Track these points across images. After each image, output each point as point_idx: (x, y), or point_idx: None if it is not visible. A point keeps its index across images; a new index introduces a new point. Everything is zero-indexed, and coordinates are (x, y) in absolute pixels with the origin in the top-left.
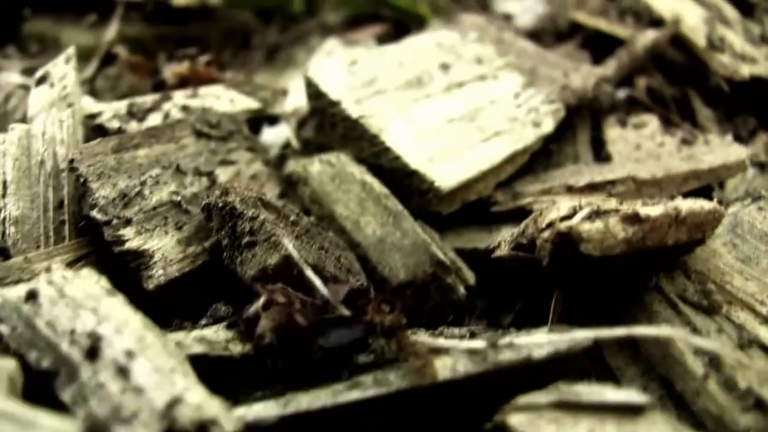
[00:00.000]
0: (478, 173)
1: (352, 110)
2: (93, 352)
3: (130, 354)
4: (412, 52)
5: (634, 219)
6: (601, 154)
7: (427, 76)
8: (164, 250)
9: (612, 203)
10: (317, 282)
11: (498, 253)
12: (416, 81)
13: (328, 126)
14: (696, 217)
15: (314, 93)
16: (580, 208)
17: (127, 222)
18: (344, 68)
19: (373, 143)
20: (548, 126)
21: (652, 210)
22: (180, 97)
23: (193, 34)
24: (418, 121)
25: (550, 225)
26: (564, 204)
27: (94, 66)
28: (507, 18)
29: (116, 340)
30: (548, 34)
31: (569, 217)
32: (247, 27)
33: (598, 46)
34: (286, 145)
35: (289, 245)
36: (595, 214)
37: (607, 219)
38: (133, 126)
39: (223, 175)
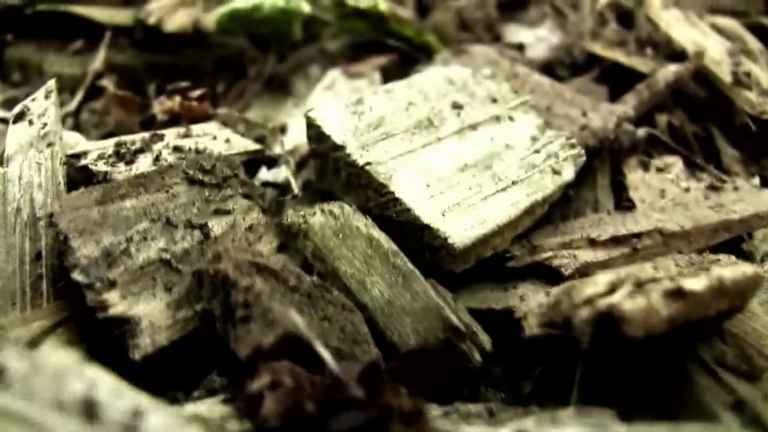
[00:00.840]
0: (494, 228)
1: (358, 156)
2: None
3: (136, 414)
4: (421, 89)
5: (677, 294)
6: (622, 199)
7: (438, 117)
8: (152, 315)
9: (649, 271)
10: (328, 358)
11: (528, 331)
12: (427, 122)
13: (331, 171)
14: (738, 285)
15: (316, 135)
16: (620, 282)
17: (112, 284)
18: (348, 108)
19: (381, 193)
20: (569, 174)
21: (696, 284)
22: (172, 136)
23: (186, 62)
24: (430, 169)
25: (588, 302)
26: (601, 278)
27: (79, 98)
28: (519, 48)
29: (116, 403)
30: (563, 66)
31: (608, 292)
32: (243, 54)
33: (616, 80)
34: (285, 189)
35: (296, 318)
36: (636, 288)
37: (649, 295)
38: (120, 169)
39: (217, 227)
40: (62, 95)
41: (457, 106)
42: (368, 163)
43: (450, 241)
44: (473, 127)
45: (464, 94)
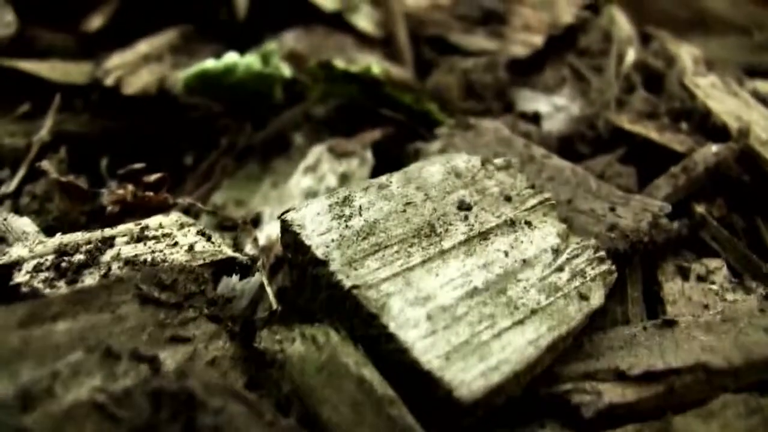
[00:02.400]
0: (509, 375)
1: (344, 276)
2: None
3: None
4: (421, 185)
5: None
6: (657, 313)
7: (442, 223)
8: None
9: None
10: None
11: None
12: (428, 230)
13: (310, 287)
14: None
15: (293, 243)
16: None
17: None
18: (333, 209)
19: (371, 324)
20: (598, 298)
21: None
22: (123, 240)
23: (148, 130)
24: (431, 294)
25: None
26: None
27: (20, 177)
28: (534, 119)
29: None
30: (584, 141)
31: None
32: (214, 119)
33: (647, 159)
34: (256, 300)
35: None
36: None
37: None
38: (60, 288)
39: (171, 359)
40: (1, 171)
41: (464, 207)
42: (356, 287)
43: (456, 394)
44: (484, 235)
45: (473, 190)
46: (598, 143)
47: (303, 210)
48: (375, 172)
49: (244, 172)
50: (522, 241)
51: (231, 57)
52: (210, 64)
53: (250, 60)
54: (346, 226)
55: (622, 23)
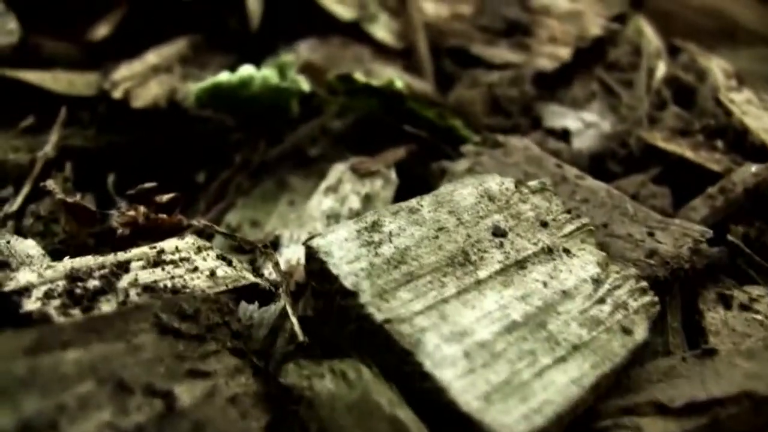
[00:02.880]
0: (552, 416)
1: (374, 309)
2: None
3: None
4: (453, 209)
5: None
6: (698, 343)
7: (476, 250)
8: None
9: None
10: None
11: None
12: (462, 257)
13: (337, 319)
14: None
15: (318, 272)
16: None
17: None
18: (361, 236)
19: (405, 361)
20: (641, 332)
21: None
22: (139, 265)
23: (158, 146)
24: (468, 329)
25: None
26: None
27: (23, 195)
28: (563, 136)
29: None
30: (615, 160)
31: None
32: (227, 134)
33: (682, 179)
34: (276, 328)
35: None
36: None
37: None
38: (75, 315)
39: (188, 394)
40: (4, 189)
41: (499, 233)
42: (388, 321)
43: None
44: (521, 264)
45: (507, 214)
46: (631, 162)
47: (329, 236)
48: (398, 192)
49: (259, 191)
50: (561, 271)
51: (246, 70)
52: (224, 77)
53: (267, 73)
54: (376, 253)
55: (650, 35)
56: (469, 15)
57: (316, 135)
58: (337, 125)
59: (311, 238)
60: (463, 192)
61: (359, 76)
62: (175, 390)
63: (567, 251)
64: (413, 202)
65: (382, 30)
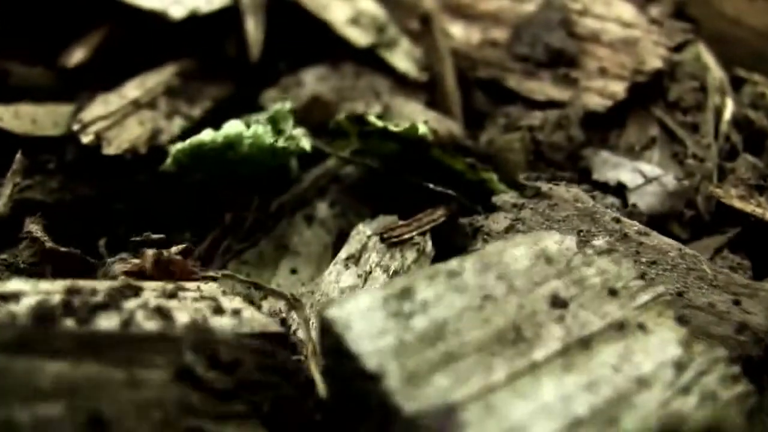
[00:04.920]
0: None
1: (404, 397)
2: None
3: None
4: (503, 272)
5: None
6: None
7: (531, 324)
8: None
9: None
10: None
11: None
12: (513, 333)
13: (356, 406)
14: None
15: (334, 348)
16: None
17: None
18: (389, 305)
19: None
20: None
21: None
22: (153, 293)
23: (133, 199)
24: (521, 426)
25: None
26: None
27: None
28: (616, 191)
29: None
30: (681, 222)
31: None
32: (217, 188)
33: (762, 244)
34: None
35: None
36: None
37: None
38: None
39: None
40: None
41: (559, 304)
42: (419, 414)
43: None
44: (585, 343)
45: (568, 280)
46: (700, 225)
47: (349, 304)
48: None
49: (253, 254)
50: (634, 351)
51: (234, 127)
52: (207, 136)
53: (259, 131)
54: (407, 327)
55: (713, 66)
56: (505, 41)
57: (324, 185)
58: (349, 174)
59: (328, 308)
60: (514, 252)
61: (374, 119)
62: None
63: (642, 327)
64: (453, 264)
65: (403, 58)
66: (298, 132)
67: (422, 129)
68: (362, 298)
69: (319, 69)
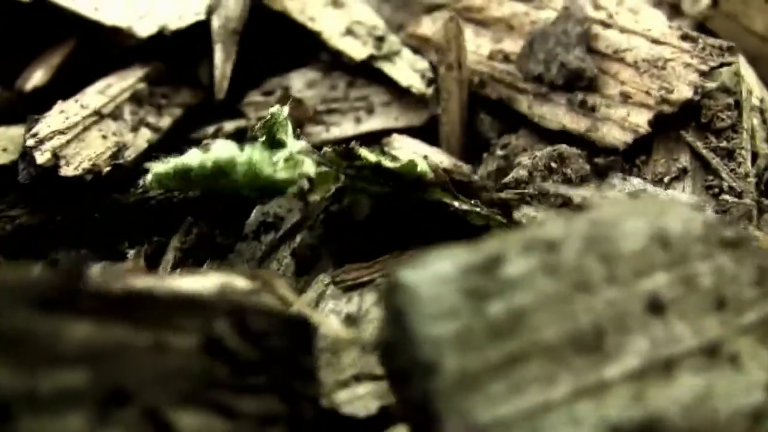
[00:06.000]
0: None
1: (447, 402)
2: None
3: None
4: (608, 253)
5: None
6: None
7: (617, 329)
8: None
9: None
10: None
11: None
12: (592, 339)
13: (403, 381)
14: None
15: (394, 315)
16: None
17: None
18: (470, 277)
19: None
20: None
21: None
22: None
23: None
24: None
25: None
26: None
27: None
28: None
29: None
30: None
31: None
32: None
33: None
34: None
35: None
36: None
37: None
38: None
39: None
40: None
41: (656, 308)
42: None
43: None
44: (666, 367)
45: (677, 276)
46: None
47: (424, 270)
48: None
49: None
50: (716, 386)
51: (224, 149)
52: (194, 160)
53: (254, 156)
54: (480, 311)
55: (752, 82)
56: (517, 56)
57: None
58: (329, 209)
59: (403, 271)
60: (629, 226)
61: (367, 153)
62: (180, 423)
63: (733, 360)
64: (556, 232)
65: (405, 70)
66: (301, 149)
67: (421, 166)
68: (441, 264)
69: (308, 73)
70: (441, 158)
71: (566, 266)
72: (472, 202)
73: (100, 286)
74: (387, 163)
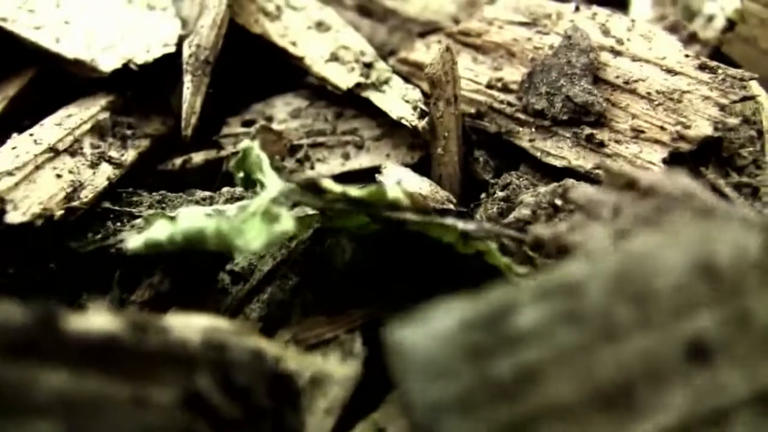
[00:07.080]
0: None
1: None
2: None
3: None
4: (642, 293)
5: None
6: None
7: (651, 381)
8: None
9: None
10: None
11: None
12: (621, 394)
13: None
14: None
15: (396, 375)
16: None
17: None
18: (473, 333)
19: None
20: None
21: None
22: None
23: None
24: None
25: None
26: None
27: None
28: None
29: None
30: None
31: None
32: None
33: None
34: None
35: None
36: None
37: None
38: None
39: None
40: None
41: (698, 354)
42: None
43: None
44: (714, 420)
45: (724, 316)
46: None
47: (423, 327)
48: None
49: None
50: None
51: (192, 219)
52: (162, 234)
53: (222, 227)
54: (484, 371)
55: None
56: (519, 86)
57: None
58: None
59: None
60: (668, 258)
61: (330, 184)
62: None
63: None
64: (579, 274)
65: (396, 101)
66: (280, 192)
67: (392, 193)
68: (441, 320)
69: (293, 99)
70: (421, 185)
71: (590, 312)
72: (457, 234)
73: (75, 332)
74: (353, 192)
